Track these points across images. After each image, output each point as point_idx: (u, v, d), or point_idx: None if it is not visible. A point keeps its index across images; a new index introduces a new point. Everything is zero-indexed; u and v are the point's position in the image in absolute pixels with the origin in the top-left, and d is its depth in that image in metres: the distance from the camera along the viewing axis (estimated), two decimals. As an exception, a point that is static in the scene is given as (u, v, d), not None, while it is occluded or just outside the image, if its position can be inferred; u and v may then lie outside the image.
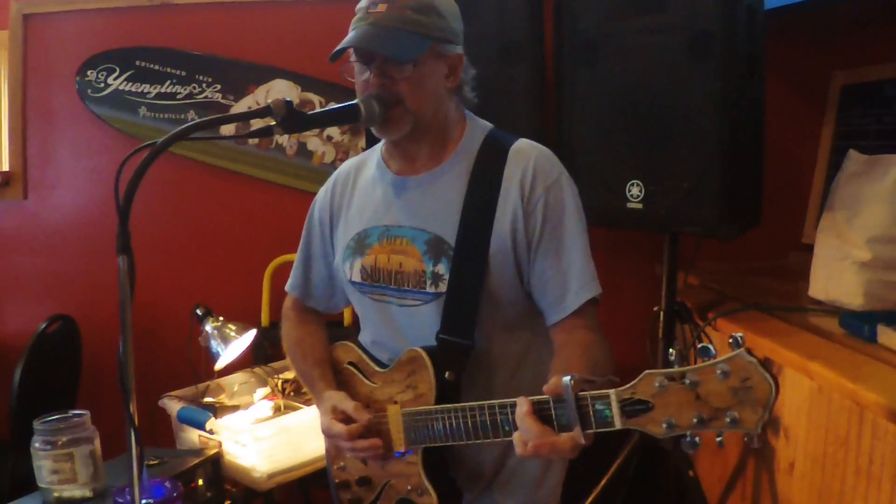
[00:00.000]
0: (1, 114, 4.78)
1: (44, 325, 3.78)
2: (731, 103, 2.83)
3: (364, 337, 2.23)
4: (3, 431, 3.62)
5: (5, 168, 4.43)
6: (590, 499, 3.21)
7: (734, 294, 3.30)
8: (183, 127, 1.73)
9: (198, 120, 1.81)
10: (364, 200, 2.18)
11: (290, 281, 2.42)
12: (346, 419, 2.04)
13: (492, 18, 3.27)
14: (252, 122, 2.16)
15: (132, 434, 1.72)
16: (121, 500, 2.20)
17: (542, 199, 1.98)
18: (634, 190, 3.00)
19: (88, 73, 4.23)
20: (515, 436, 1.64)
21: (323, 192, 2.32)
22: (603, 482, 3.22)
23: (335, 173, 2.32)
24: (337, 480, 2.25)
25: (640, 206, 3.00)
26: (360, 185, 2.21)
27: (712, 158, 2.85)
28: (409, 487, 2.03)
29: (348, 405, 2.04)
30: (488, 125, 2.15)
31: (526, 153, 2.04)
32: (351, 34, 1.95)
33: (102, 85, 4.22)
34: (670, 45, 2.91)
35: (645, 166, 3.00)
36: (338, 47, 1.94)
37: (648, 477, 3.32)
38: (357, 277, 2.13)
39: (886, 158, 2.72)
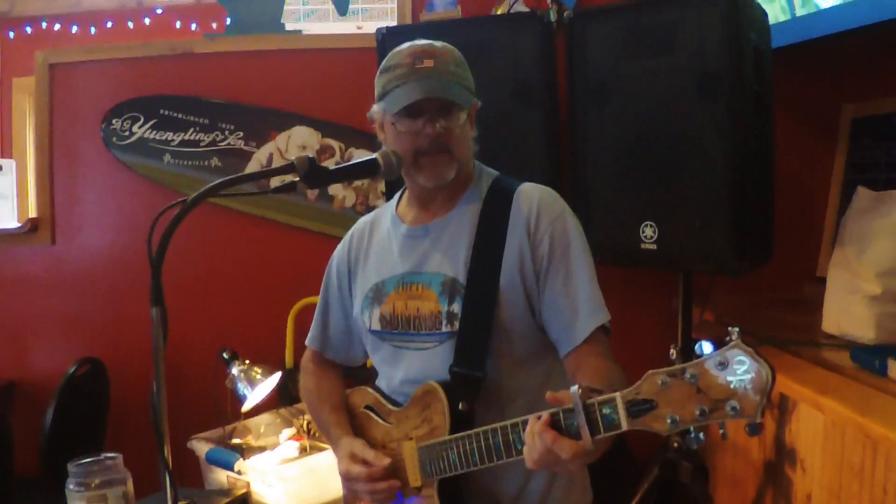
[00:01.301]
0: (29, 160, 4.90)
1: (73, 368, 3.83)
2: (739, 141, 2.87)
3: (382, 384, 2.26)
4: (32, 468, 3.68)
5: (33, 214, 4.52)
6: (611, 532, 3.23)
7: (749, 329, 3.32)
8: (212, 185, 1.81)
9: (226, 178, 1.87)
10: (380, 253, 2.24)
11: (309, 334, 2.47)
12: (366, 464, 2.07)
13: (505, 61, 3.31)
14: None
15: (167, 477, 1.77)
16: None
17: (547, 232, 2.04)
18: (648, 231, 3.04)
19: (114, 121, 4.30)
20: (525, 450, 1.68)
21: (341, 247, 2.38)
22: (623, 516, 3.24)
23: (352, 229, 2.39)
24: None
25: (653, 246, 3.04)
26: (376, 239, 2.28)
27: (722, 196, 2.89)
28: None
29: (369, 454, 2.08)
30: (494, 172, 2.24)
31: (530, 193, 2.12)
32: (412, 87, 2.02)
33: (127, 133, 4.30)
34: (679, 85, 2.96)
35: (657, 205, 3.04)
36: (410, 99, 2.01)
37: (669, 510, 3.34)
38: (377, 326, 2.18)
39: (893, 194, 2.76)
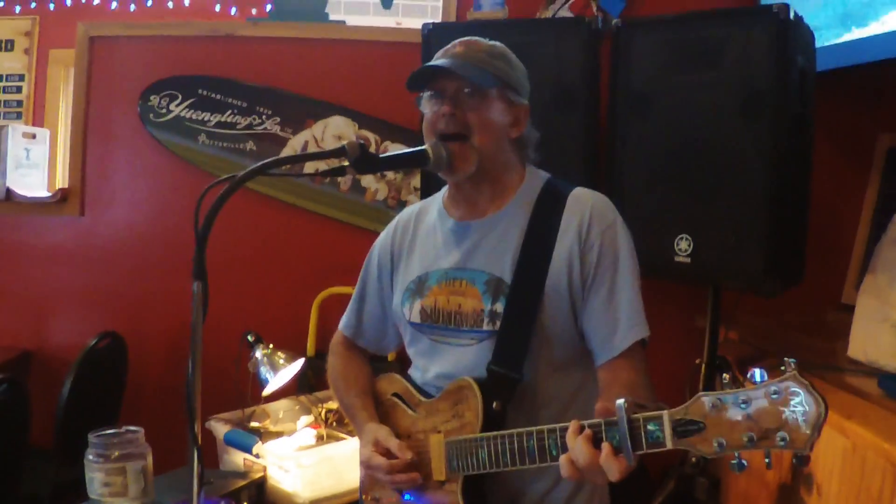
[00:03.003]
0: (61, 131, 4.92)
1: (94, 341, 3.85)
2: (779, 161, 2.87)
3: (415, 375, 2.26)
4: (46, 440, 3.69)
5: (64, 185, 4.54)
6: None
7: (773, 350, 3.32)
8: (262, 163, 1.82)
9: (278, 157, 1.89)
10: (425, 245, 2.24)
11: (343, 319, 2.48)
12: (388, 454, 2.08)
13: (549, 65, 3.31)
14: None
15: (195, 452, 1.77)
16: (178, 516, 2.26)
17: (597, 240, 2.04)
18: (683, 244, 3.04)
19: (151, 97, 4.33)
20: (563, 458, 1.67)
21: (384, 236, 2.39)
22: (636, 530, 3.23)
23: (397, 218, 2.39)
24: None
25: (687, 260, 3.04)
26: (422, 231, 2.28)
27: (759, 215, 2.89)
28: None
29: (392, 443, 2.08)
30: (546, 174, 2.23)
31: (584, 199, 2.11)
32: (430, 64, 2.06)
33: (164, 110, 4.32)
34: (723, 101, 2.96)
35: (693, 219, 3.05)
36: (416, 70, 2.06)
37: (681, 527, 3.34)
38: (416, 318, 2.18)
39: (931, 225, 2.76)
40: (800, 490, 2.73)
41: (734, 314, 3.45)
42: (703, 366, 3.26)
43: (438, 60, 2.07)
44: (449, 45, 2.12)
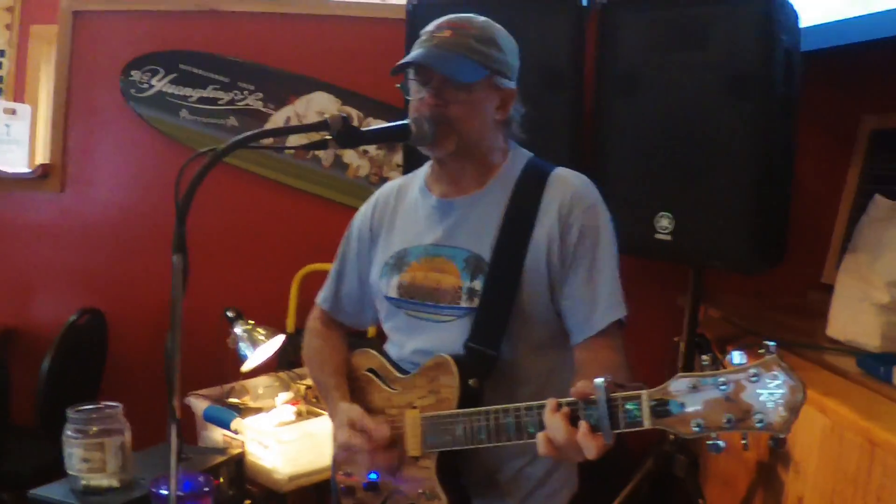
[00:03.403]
0: (42, 107, 4.88)
1: (74, 318, 3.85)
2: (764, 141, 2.88)
3: (391, 350, 2.25)
4: (28, 417, 3.68)
5: (45, 160, 4.51)
6: (600, 523, 3.24)
7: (754, 328, 3.34)
8: (243, 135, 1.80)
9: (259, 130, 1.87)
10: (406, 220, 2.24)
11: (321, 293, 2.47)
12: (366, 434, 2.06)
13: (534, 45, 3.22)
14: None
15: (174, 427, 1.76)
16: (156, 491, 2.25)
17: (578, 221, 2.04)
18: (664, 222, 3.05)
19: (133, 72, 4.29)
20: (541, 435, 1.68)
21: (364, 210, 2.37)
22: (614, 508, 3.25)
23: (377, 192, 2.38)
24: (342, 486, 2.27)
25: (668, 237, 3.05)
26: (403, 206, 2.27)
27: (745, 195, 2.90)
28: (419, 491, 2.03)
29: (369, 423, 2.06)
30: (528, 153, 2.22)
31: (565, 179, 2.11)
32: (414, 52, 2.03)
33: (146, 86, 4.29)
34: (709, 82, 2.96)
35: (676, 199, 3.05)
36: (400, 62, 2.03)
37: None
38: (394, 293, 2.18)
39: (912, 205, 2.77)
40: (778, 468, 2.75)
41: (715, 293, 3.46)
42: (683, 344, 3.27)
43: (424, 48, 2.04)
44: (436, 26, 2.08)
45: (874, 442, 2.13)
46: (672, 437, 3.16)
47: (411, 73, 2.08)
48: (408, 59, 2.03)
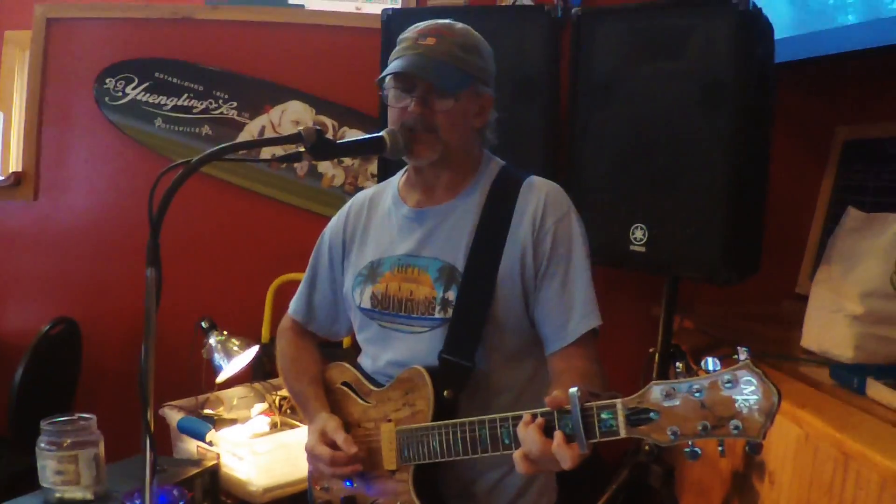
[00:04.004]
0: (15, 114, 4.84)
1: (47, 328, 3.81)
2: (739, 152, 2.89)
3: (365, 363, 2.24)
4: (1, 428, 3.65)
5: (17, 168, 4.48)
6: (576, 532, 3.24)
7: (728, 338, 3.35)
8: (218, 148, 1.79)
9: (234, 142, 1.86)
10: (379, 231, 2.22)
11: (293, 304, 2.45)
12: (334, 446, 2.06)
13: (509, 54, 3.28)
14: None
15: (148, 440, 1.75)
16: (130, 504, 2.24)
17: (551, 230, 2.03)
18: (638, 233, 3.06)
19: (107, 80, 4.26)
20: (517, 453, 1.67)
21: (336, 220, 2.36)
22: (590, 516, 3.25)
23: (350, 202, 2.37)
24: (319, 501, 2.27)
25: (642, 248, 3.06)
26: (377, 216, 2.26)
27: (718, 205, 2.91)
28: None
29: (339, 436, 2.05)
30: (502, 162, 2.22)
31: (538, 188, 2.10)
32: (400, 61, 2.01)
33: (120, 94, 4.26)
34: (683, 91, 2.97)
35: (650, 209, 3.06)
36: (389, 71, 2.01)
37: (635, 514, 3.35)
38: (367, 304, 2.16)
39: (884, 217, 2.78)
40: (753, 478, 2.76)
41: (690, 304, 3.47)
42: (657, 355, 3.28)
43: (409, 55, 2.03)
44: (418, 33, 2.06)
45: (847, 453, 2.14)
46: (647, 446, 3.17)
47: (392, 82, 2.06)
48: (396, 68, 2.01)
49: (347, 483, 2.12)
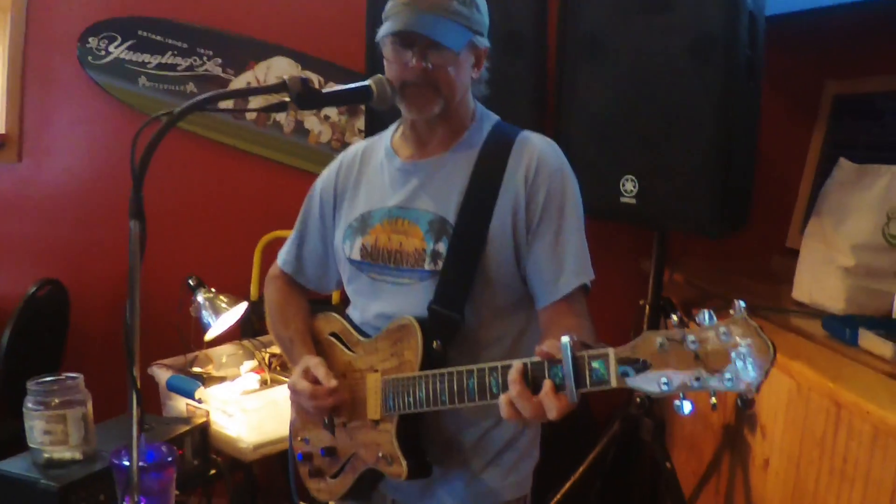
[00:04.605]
0: (-2, 76, 4.80)
1: (33, 289, 3.80)
2: (729, 106, 2.86)
3: (354, 314, 2.24)
4: (-11, 392, 3.64)
5: (1, 131, 4.44)
6: (565, 488, 3.23)
7: (718, 292, 3.35)
8: (200, 97, 1.77)
9: (215, 92, 1.84)
10: (371, 183, 2.21)
11: (282, 256, 2.44)
12: (316, 382, 2.06)
13: (497, 8, 3.18)
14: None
15: (134, 396, 1.74)
16: (118, 462, 2.20)
17: (544, 185, 2.02)
18: (628, 185, 3.04)
19: (90, 40, 4.22)
20: (503, 398, 1.66)
21: (327, 172, 2.34)
22: (579, 472, 3.24)
23: (341, 155, 2.35)
24: (299, 453, 2.27)
25: (633, 201, 3.03)
26: (368, 169, 2.24)
27: (708, 158, 2.88)
28: (379, 455, 2.03)
29: (321, 371, 2.05)
30: (496, 116, 2.21)
31: (531, 143, 2.09)
32: (400, 17, 1.99)
33: (103, 53, 4.22)
34: (673, 45, 2.93)
35: (640, 163, 3.03)
36: (390, 29, 1.99)
37: (625, 468, 3.36)
38: (356, 256, 2.16)
39: (875, 168, 2.77)
40: (744, 431, 2.77)
41: (680, 258, 3.46)
42: (648, 307, 3.28)
43: (408, 12, 1.99)
44: None
45: (840, 404, 2.14)
46: (639, 398, 3.17)
47: (390, 37, 2.03)
48: (397, 25, 1.98)
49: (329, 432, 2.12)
